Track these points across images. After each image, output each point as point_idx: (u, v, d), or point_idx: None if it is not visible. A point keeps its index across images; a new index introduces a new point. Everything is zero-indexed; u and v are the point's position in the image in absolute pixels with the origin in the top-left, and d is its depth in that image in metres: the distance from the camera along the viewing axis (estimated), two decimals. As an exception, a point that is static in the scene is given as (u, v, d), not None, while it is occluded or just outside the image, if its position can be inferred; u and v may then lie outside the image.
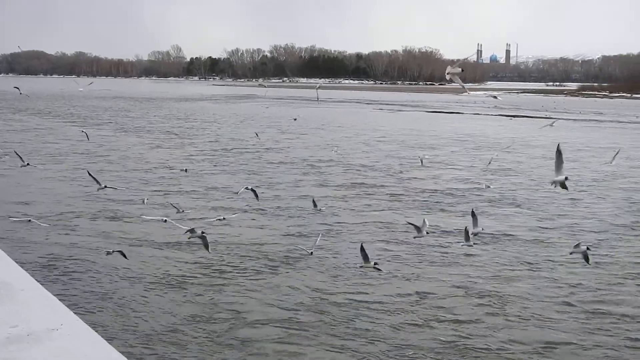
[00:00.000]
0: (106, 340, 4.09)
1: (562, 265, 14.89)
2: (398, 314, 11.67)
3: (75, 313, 4.68)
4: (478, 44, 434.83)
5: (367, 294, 12.77)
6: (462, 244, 12.58)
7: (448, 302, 12.41)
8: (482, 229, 12.80)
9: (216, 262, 14.52)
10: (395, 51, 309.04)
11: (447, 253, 15.67)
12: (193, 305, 11.87)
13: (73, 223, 18.23)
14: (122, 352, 3.92)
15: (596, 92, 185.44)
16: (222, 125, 48.14)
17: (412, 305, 12.10)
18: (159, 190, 23.07)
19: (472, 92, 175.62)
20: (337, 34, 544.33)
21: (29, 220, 16.04)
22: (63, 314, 4.57)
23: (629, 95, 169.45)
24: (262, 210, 19.96)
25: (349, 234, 17.62)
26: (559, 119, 62.60)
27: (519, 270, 14.57)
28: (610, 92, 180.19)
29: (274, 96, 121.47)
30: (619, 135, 46.46)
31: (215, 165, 28.21)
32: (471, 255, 15.28)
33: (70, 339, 4.18)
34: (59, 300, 4.88)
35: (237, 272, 13.80)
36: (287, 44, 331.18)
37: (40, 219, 16.88)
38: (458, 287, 13.17)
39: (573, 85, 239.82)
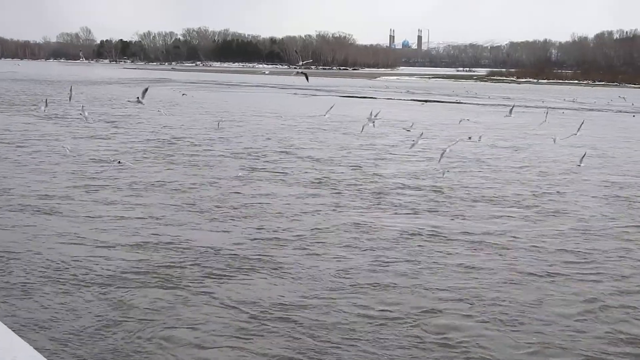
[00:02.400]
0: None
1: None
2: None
3: None
4: (390, 30, 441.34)
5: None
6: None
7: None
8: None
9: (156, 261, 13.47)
10: (309, 36, 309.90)
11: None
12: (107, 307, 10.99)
13: None
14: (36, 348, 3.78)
15: (504, 78, 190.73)
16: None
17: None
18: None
19: (384, 78, 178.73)
20: (250, 18, 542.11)
21: None
22: None
23: (535, 80, 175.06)
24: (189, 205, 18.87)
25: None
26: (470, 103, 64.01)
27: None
28: (518, 78, 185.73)
29: (186, 80, 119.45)
30: (527, 118, 47.65)
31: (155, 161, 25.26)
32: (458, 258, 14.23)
33: None
34: None
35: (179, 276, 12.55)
36: (200, 28, 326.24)
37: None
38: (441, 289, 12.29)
39: (482, 71, 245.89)
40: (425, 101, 70.85)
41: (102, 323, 10.06)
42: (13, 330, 4.11)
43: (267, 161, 25.29)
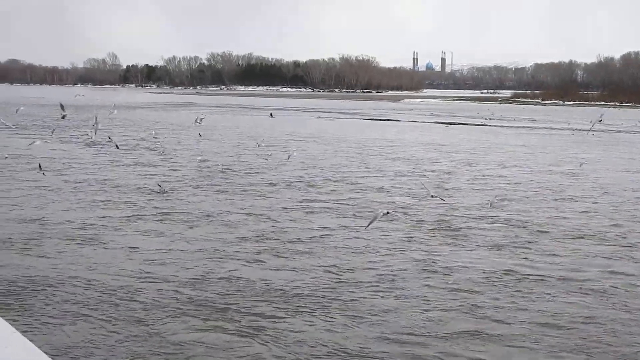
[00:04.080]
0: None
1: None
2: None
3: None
4: (414, 52, 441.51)
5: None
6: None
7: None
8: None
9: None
10: (333, 59, 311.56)
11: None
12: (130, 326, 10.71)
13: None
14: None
15: (529, 99, 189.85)
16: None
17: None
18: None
19: (408, 100, 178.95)
20: (274, 42, 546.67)
21: None
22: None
23: (561, 102, 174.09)
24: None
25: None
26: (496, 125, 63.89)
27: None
28: (543, 99, 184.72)
29: (210, 104, 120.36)
30: (549, 139, 47.18)
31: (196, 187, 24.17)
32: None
33: (7, 351, 4.09)
34: None
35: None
36: (224, 52, 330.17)
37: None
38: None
39: (507, 93, 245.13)
40: (450, 124, 70.55)
41: (141, 357, 9.66)
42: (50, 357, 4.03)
43: (321, 190, 23.78)
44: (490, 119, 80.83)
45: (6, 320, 5.00)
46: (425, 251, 15.50)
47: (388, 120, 77.50)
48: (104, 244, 15.59)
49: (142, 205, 20.23)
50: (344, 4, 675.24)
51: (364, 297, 12.13)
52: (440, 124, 70.74)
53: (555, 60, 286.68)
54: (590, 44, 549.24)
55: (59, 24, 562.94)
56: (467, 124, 70.70)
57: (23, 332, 9.41)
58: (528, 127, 67.04)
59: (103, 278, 12.91)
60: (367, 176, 27.46)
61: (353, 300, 11.94)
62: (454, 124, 71.30)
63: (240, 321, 10.90)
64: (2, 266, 13.57)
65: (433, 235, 17.08)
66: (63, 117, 23.37)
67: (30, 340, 4.47)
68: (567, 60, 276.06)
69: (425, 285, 12.90)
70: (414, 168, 30.46)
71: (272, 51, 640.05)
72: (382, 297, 12.18)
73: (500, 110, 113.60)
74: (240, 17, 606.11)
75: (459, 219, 19.13)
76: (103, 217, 18.43)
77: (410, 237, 16.73)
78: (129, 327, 10.50)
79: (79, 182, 24.35)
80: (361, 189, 24.10)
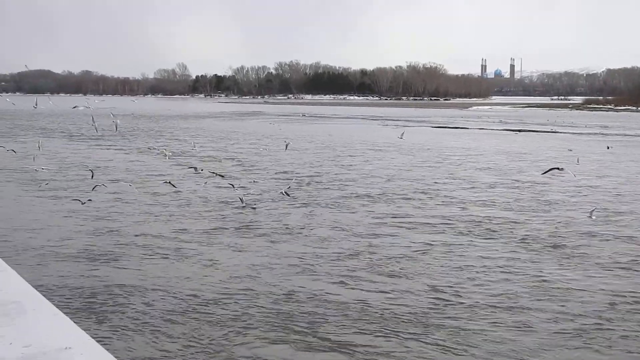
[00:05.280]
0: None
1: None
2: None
3: (87, 332, 4.62)
4: (482, 59, 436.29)
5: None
6: None
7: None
8: None
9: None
10: (400, 67, 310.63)
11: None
12: (210, 329, 10.75)
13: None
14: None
15: (602, 106, 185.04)
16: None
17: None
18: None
19: (476, 107, 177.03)
20: (341, 50, 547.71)
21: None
22: (75, 333, 4.55)
23: (635, 108, 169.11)
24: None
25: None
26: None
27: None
28: (616, 105, 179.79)
29: (277, 113, 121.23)
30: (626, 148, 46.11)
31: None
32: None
33: (84, 358, 4.15)
34: (71, 319, 4.83)
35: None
36: (291, 61, 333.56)
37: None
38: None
39: (578, 99, 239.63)
40: (519, 131, 69.52)
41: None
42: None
43: (412, 203, 22.73)
44: (561, 125, 79.38)
45: (85, 329, 5.18)
46: (536, 271, 14.32)
47: (456, 127, 76.84)
48: (186, 257, 15.43)
49: (223, 218, 19.92)
50: (410, 11, 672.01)
51: (472, 323, 11.07)
52: (509, 131, 69.81)
53: (629, 65, 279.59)
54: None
55: (130, 35, 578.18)
56: (536, 131, 69.53)
57: (101, 341, 9.45)
58: (602, 133, 65.47)
59: (183, 291, 12.76)
60: (457, 188, 26.48)
61: (460, 326, 10.93)
62: (523, 130, 70.21)
63: (329, 344, 10.27)
64: (84, 277, 13.71)
65: (541, 253, 15.95)
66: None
67: (107, 350, 4.63)
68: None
69: (539, 310, 11.74)
70: (502, 178, 29.44)
71: (339, 59, 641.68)
72: (494, 322, 11.18)
73: (571, 116, 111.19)
74: (308, 26, 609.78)
75: (567, 234, 17.94)
76: (184, 229, 18.28)
77: (517, 256, 15.66)
78: (207, 342, 10.32)
79: (160, 195, 24.19)
80: (454, 202, 23.13)
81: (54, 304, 5.27)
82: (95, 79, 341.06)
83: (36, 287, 5.91)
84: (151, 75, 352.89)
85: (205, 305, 11.92)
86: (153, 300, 12.22)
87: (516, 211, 21.27)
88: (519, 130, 69.79)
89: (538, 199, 23.77)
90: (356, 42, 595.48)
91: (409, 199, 23.71)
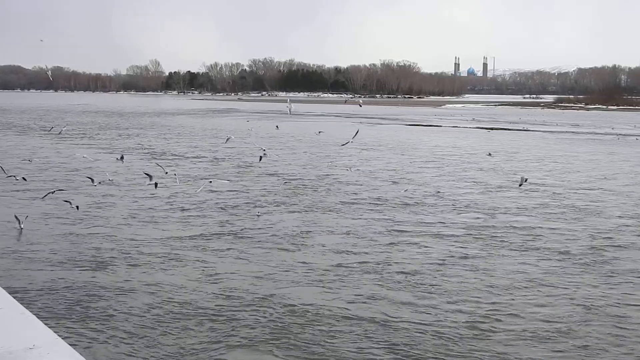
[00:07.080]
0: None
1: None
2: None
3: (55, 332, 4.57)
4: (455, 57, 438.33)
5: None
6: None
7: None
8: None
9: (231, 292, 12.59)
10: (374, 65, 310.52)
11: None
12: (200, 334, 10.60)
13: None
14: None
15: (573, 104, 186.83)
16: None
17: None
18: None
19: (449, 105, 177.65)
20: (315, 48, 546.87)
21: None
22: (42, 333, 4.48)
23: (604, 107, 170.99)
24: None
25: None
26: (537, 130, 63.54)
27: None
28: (587, 104, 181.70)
29: (251, 110, 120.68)
30: (595, 146, 46.76)
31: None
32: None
33: (50, 357, 4.11)
34: (38, 318, 4.76)
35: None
36: (265, 58, 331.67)
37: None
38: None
39: (550, 98, 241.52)
40: (492, 129, 70.17)
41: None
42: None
43: (423, 209, 21.62)
44: (532, 124, 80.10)
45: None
46: (581, 290, 12.93)
47: (430, 125, 77.26)
48: (180, 263, 14.93)
49: (220, 224, 19.09)
50: (385, 10, 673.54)
51: (514, 354, 9.88)
52: (481, 129, 70.38)
53: (599, 65, 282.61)
54: (634, 48, 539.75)
55: (102, 31, 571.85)
56: (509, 129, 70.14)
57: (86, 345, 9.62)
58: (571, 132, 66.29)
59: (176, 296, 12.41)
60: (467, 192, 25.29)
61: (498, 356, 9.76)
62: (495, 129, 70.79)
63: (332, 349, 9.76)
64: (76, 282, 13.24)
65: (583, 268, 14.49)
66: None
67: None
68: (610, 65, 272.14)
69: (593, 336, 10.52)
70: (508, 180, 28.44)
71: (313, 57, 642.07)
72: (536, 348, 10.12)
73: (542, 115, 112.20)
74: (282, 23, 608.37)
75: (606, 246, 16.62)
76: (178, 237, 17.44)
77: (554, 270, 14.32)
78: (198, 350, 10.00)
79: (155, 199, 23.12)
80: (470, 209, 21.71)
81: (31, 310, 5.18)
82: (67, 75, 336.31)
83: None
84: (124, 72, 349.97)
85: (196, 312, 11.68)
86: (145, 305, 11.98)
87: (531, 223, 19.63)
88: (491, 129, 70.44)
89: (562, 203, 23.09)
90: (330, 40, 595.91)
91: (418, 203, 22.64)
